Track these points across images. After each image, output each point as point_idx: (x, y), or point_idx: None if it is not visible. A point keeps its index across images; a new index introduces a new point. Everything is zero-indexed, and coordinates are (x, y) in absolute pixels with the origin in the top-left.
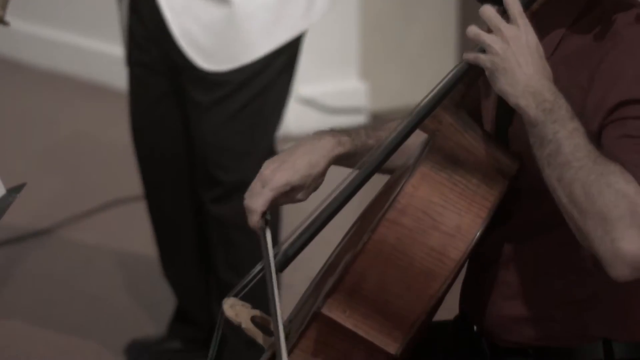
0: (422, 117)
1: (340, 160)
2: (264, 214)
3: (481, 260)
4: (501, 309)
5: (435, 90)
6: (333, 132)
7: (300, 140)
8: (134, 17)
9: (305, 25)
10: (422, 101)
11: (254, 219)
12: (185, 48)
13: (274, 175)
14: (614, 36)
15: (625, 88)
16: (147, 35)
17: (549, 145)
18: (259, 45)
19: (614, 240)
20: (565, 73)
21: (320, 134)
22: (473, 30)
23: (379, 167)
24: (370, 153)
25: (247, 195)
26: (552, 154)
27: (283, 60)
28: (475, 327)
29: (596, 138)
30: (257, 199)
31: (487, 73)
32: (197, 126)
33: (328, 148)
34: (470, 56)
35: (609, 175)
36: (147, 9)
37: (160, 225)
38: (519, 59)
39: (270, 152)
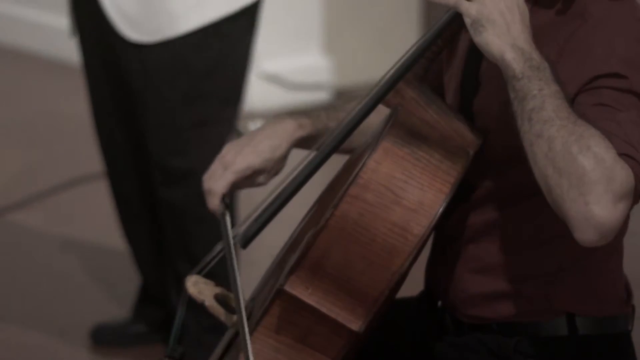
0: (385, 91)
1: (302, 143)
2: (223, 198)
3: (446, 235)
4: (466, 283)
5: (397, 64)
6: (294, 115)
7: (262, 125)
8: None
9: (240, 4)
10: (384, 75)
11: (214, 202)
12: (112, 15)
13: (235, 159)
14: (583, 13)
15: (598, 63)
16: (82, 8)
17: (533, 101)
18: (185, 19)
19: (588, 203)
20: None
21: (281, 117)
22: None
23: (341, 143)
24: (333, 129)
25: (206, 177)
26: (536, 109)
27: (232, 38)
28: (439, 303)
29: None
30: (217, 182)
31: (468, 22)
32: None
33: (289, 131)
34: (451, 1)
35: (589, 138)
36: None
37: (120, 203)
38: (506, 14)
39: (226, 132)
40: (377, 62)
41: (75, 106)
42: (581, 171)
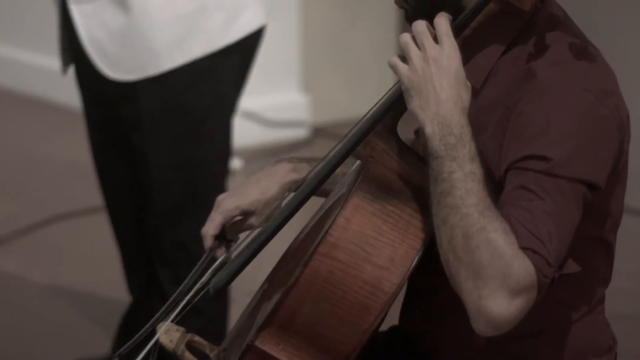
0: (355, 143)
1: (296, 186)
2: (221, 239)
3: (421, 287)
4: (445, 336)
5: (367, 117)
6: (292, 158)
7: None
8: (65, 30)
9: (224, 41)
10: (354, 127)
11: (206, 243)
12: (92, 55)
13: (224, 200)
14: (532, 77)
15: (531, 141)
16: (72, 47)
17: (443, 184)
18: (167, 57)
19: (481, 297)
20: (491, 112)
21: (278, 161)
22: (404, 38)
23: (312, 194)
24: (303, 179)
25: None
26: (444, 193)
27: (223, 76)
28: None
29: (502, 181)
30: (208, 224)
31: (402, 88)
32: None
33: (281, 174)
34: (393, 59)
35: (491, 232)
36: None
37: (119, 241)
38: (435, 83)
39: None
40: (355, 100)
41: (51, 145)
42: (477, 265)
